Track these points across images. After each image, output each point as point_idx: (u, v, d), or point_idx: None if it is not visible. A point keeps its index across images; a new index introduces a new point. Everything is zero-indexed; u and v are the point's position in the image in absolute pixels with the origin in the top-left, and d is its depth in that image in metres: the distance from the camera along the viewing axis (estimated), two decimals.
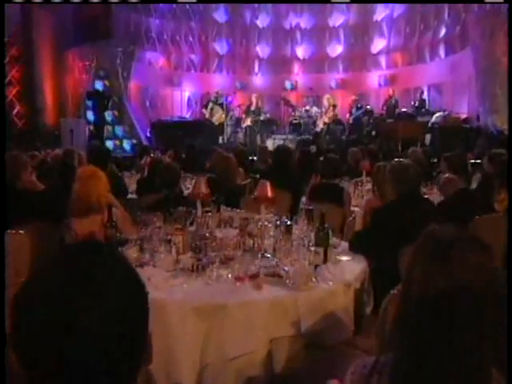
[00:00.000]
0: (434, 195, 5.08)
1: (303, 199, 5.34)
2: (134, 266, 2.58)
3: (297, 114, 14.27)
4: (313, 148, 8.68)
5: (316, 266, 2.71)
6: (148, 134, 13.87)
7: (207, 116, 12.74)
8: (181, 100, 16.00)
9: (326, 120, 12.21)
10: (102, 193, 3.40)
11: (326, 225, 2.94)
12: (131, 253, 2.85)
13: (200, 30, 15.96)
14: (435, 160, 9.90)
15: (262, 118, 12.76)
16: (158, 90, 15.58)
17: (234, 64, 16.54)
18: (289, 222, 2.99)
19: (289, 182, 5.52)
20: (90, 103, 12.25)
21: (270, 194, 2.95)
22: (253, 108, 12.59)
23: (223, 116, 13.45)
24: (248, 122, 12.43)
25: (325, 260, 2.73)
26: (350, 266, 2.78)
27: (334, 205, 4.42)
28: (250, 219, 3.24)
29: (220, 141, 14.05)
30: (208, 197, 3.24)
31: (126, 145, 14.07)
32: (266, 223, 3.11)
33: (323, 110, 12.22)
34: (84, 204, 3.33)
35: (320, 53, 16.11)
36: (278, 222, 2.98)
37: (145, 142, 13.84)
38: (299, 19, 15.90)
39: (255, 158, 10.66)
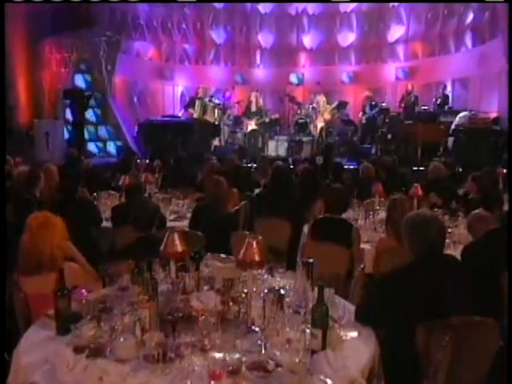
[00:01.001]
0: (460, 228, 4.78)
1: (305, 230, 5.06)
2: (86, 356, 2.38)
3: (303, 112, 14.07)
4: (319, 159, 8.35)
5: (313, 353, 2.41)
6: (136, 135, 13.66)
7: (196, 115, 12.38)
8: (173, 96, 15.95)
9: (321, 124, 11.70)
10: (56, 244, 3.11)
11: (327, 292, 2.64)
12: (86, 330, 2.55)
13: (195, 17, 15.80)
14: (460, 169, 9.68)
15: (266, 119, 12.41)
16: (148, 85, 15.58)
17: (232, 55, 16.46)
18: (282, 291, 2.69)
19: (288, 209, 5.36)
20: (68, 102, 11.94)
21: (257, 257, 2.64)
22: (254, 109, 12.21)
23: (215, 115, 13.12)
24: (252, 125, 12.08)
25: (323, 345, 2.43)
26: (355, 352, 2.48)
27: (339, 245, 4.14)
28: (235, 280, 2.95)
29: (217, 142, 13.92)
30: (184, 255, 2.94)
31: (111, 147, 13.88)
32: (253, 288, 2.80)
33: (318, 110, 11.73)
34: (34, 259, 3.05)
35: (329, 42, 15.96)
36: (267, 291, 2.68)
37: (132, 144, 13.75)
38: (306, 4, 15.74)
39: (255, 164, 10.55)
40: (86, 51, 13.67)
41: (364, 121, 13.23)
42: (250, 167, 10.16)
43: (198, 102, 12.41)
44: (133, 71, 14.98)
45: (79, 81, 13.68)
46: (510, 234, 3.27)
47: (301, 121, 13.84)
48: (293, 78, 15.95)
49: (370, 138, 12.82)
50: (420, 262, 2.73)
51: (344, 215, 4.79)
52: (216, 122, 13.46)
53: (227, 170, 6.98)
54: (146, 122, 13.16)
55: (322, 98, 11.77)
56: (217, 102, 14.72)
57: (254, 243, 2.69)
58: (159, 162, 8.84)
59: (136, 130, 13.42)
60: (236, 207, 6.01)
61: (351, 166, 10.44)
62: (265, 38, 16.30)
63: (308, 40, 16.16)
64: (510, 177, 7.05)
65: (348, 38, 15.82)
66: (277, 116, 12.83)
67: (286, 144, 13.74)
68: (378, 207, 5.60)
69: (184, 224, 5.39)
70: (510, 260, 3.08)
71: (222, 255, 3.76)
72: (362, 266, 3.66)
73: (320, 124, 11.43)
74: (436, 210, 5.08)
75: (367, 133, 13.07)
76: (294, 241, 5.16)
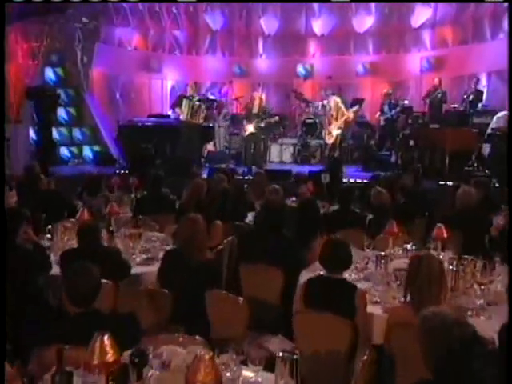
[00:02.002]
0: (496, 283, 4.26)
1: (301, 280, 4.58)
2: None
3: (311, 110, 13.84)
4: (325, 177, 7.93)
5: None
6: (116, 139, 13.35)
7: (183, 117, 11.96)
8: (161, 91, 15.73)
9: (335, 131, 11.13)
10: None
11: None
12: None
13: None
14: (497, 184, 9.17)
15: (270, 120, 11.96)
16: (132, 79, 15.34)
17: (230, 43, 16.35)
18: None
19: (280, 252, 4.95)
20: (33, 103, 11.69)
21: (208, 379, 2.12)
22: (255, 110, 11.73)
23: (208, 116, 12.71)
24: (251, 128, 11.62)
25: None
26: None
27: (339, 314, 3.63)
28: None
29: (212, 147, 13.61)
30: (117, 363, 2.42)
31: (87, 152, 13.63)
32: None
33: (330, 113, 11.16)
34: None
35: (343, 27, 15.68)
36: None
37: (112, 149, 13.48)
38: None
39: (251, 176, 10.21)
40: (58, 40, 13.31)
41: (382, 122, 12.79)
42: (246, 181, 9.68)
43: (185, 102, 11.96)
44: (114, 63, 14.66)
45: (49, 76, 13.40)
46: (510, 233, 2.92)
47: (309, 121, 13.62)
48: (300, 70, 15.80)
49: (390, 143, 12.40)
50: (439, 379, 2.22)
51: None
52: (210, 124, 13.04)
53: (213, 196, 6.53)
54: (126, 124, 12.82)
55: (335, 99, 11.17)
56: (212, 98, 14.45)
57: (206, 361, 2.18)
58: (135, 179, 8.40)
59: (116, 133, 13.06)
60: (220, 246, 5.63)
61: (365, 180, 9.98)
62: (268, 24, 16.11)
63: (318, 25, 15.90)
64: (510, 177, 7.25)
65: (365, 22, 15.56)
66: (277, 118, 12.32)
67: (291, 148, 13.59)
68: (392, 250, 5.08)
69: (155, 269, 4.88)
70: (511, 260, 3.09)
71: (184, 337, 3.27)
72: (365, 356, 3.13)
73: (336, 131, 10.84)
74: (465, 257, 4.56)
75: (386, 137, 12.68)
76: (288, 293, 4.69)
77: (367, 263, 4.97)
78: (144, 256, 5.36)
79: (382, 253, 4.95)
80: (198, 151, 12.39)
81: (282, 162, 13.35)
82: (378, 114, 12.99)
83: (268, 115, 11.91)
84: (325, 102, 12.59)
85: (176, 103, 12.42)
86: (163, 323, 4.27)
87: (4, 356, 2.85)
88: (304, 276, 4.71)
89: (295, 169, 11.50)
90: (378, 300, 4.17)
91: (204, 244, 4.71)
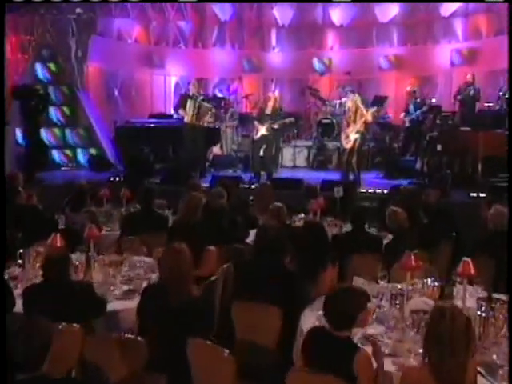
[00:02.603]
0: None
1: (302, 324, 4.23)
2: None
3: (328, 109, 13.71)
4: (338, 191, 7.54)
5: None
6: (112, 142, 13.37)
7: (188, 119, 11.66)
8: (164, 88, 15.69)
9: (353, 135, 10.62)
10: None
11: None
12: None
13: None
14: None
15: (286, 121, 11.58)
16: (132, 75, 15.32)
17: (241, 35, 16.29)
18: None
19: (278, 288, 4.58)
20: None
21: None
22: (269, 111, 11.31)
23: (214, 117, 12.44)
24: (263, 130, 11.23)
25: None
26: None
27: (339, 378, 3.26)
28: None
29: (218, 150, 13.47)
30: None
31: (82, 155, 13.50)
32: None
33: (348, 114, 10.67)
34: None
35: (365, 17, 15.59)
36: None
37: (109, 153, 13.38)
38: None
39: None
40: (50, 33, 13.26)
41: (407, 123, 12.40)
42: (252, 191, 9.35)
43: (189, 102, 11.62)
44: (112, 58, 14.59)
45: (40, 72, 13.27)
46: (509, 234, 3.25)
47: (325, 121, 13.46)
48: (317, 65, 15.73)
49: (415, 147, 12.08)
50: None
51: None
52: (216, 125, 12.73)
53: (208, 215, 6.19)
54: (124, 125, 12.70)
55: (354, 98, 10.66)
56: (220, 96, 14.33)
57: None
58: (127, 190, 8.09)
59: (113, 135, 13.00)
60: (213, 277, 5.29)
61: (385, 190, 9.63)
62: (282, 13, 16.05)
63: (337, 14, 15.80)
64: (510, 177, 7.48)
65: (389, 11, 15.44)
66: (292, 119, 11.99)
67: (305, 152, 13.42)
68: (411, 284, 4.67)
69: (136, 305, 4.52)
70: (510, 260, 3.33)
71: None
72: None
73: (353, 135, 10.36)
74: (497, 297, 4.16)
75: (411, 140, 12.29)
76: (287, 337, 4.38)
77: (381, 299, 4.63)
78: (125, 287, 5.07)
79: (399, 286, 4.65)
80: (202, 155, 12.08)
81: (295, 167, 13.13)
82: (403, 113, 12.67)
83: (282, 116, 11.52)
84: (343, 100, 12.27)
85: (179, 104, 12.14)
86: (139, 373, 3.96)
87: (4, 355, 2.90)
88: (307, 315, 4.42)
89: (308, 176, 11.23)
90: (392, 353, 3.79)
91: (189, 279, 4.37)
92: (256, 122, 11.42)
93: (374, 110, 10.92)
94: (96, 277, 5.10)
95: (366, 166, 12.30)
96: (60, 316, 3.76)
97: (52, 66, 13.42)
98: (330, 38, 16.08)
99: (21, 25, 13.10)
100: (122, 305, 4.71)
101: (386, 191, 9.43)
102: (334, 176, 10.95)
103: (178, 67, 15.73)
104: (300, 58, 15.78)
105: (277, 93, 12.34)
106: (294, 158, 13.22)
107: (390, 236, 6.11)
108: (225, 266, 5.48)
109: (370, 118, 10.50)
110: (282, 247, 4.76)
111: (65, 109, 13.52)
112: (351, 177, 10.49)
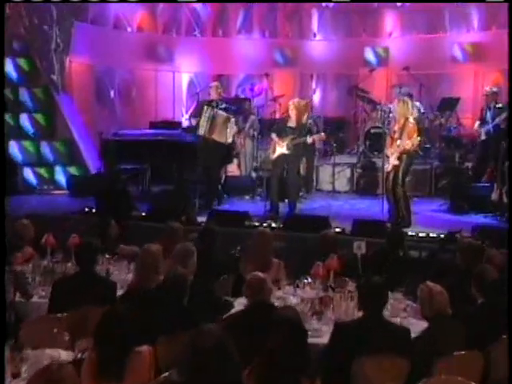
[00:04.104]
0: None
1: None
2: None
3: (379, 114, 13.08)
4: (359, 246, 6.25)
5: None
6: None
7: (202, 132, 10.86)
8: (173, 88, 15.54)
9: (393, 160, 9.16)
10: None
11: None
12: None
13: None
14: None
15: (315, 137, 10.58)
16: (133, 72, 15.33)
17: (272, 19, 16.32)
18: None
19: None
20: None
21: None
22: (292, 123, 10.25)
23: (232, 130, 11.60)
24: (281, 149, 10.15)
25: None
26: None
27: None
28: None
29: (236, 170, 12.94)
30: None
31: (60, 176, 13.02)
32: None
33: (393, 129, 9.39)
34: None
35: None
36: None
37: (95, 171, 12.95)
38: None
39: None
40: (23, 20, 12.87)
41: (483, 136, 11.24)
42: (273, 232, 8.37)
43: (206, 110, 10.80)
44: (107, 51, 14.50)
45: (9, 69, 12.83)
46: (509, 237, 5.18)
47: (375, 130, 12.76)
48: (370, 57, 15.57)
49: (492, 169, 10.84)
50: None
51: None
52: (229, 140, 11.74)
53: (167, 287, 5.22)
54: (110, 138, 12.12)
55: (403, 104, 9.29)
56: (242, 97, 14.20)
57: None
58: (76, 236, 7.10)
59: (99, 149, 12.45)
60: None
61: (442, 234, 8.39)
62: None
63: None
64: (510, 177, 8.75)
65: None
66: (323, 135, 10.98)
67: (348, 172, 12.56)
68: None
69: None
70: (510, 261, 4.95)
71: None
72: None
73: (394, 160, 8.82)
74: None
75: (487, 159, 11.09)
76: None
77: None
78: None
79: None
80: (211, 177, 11.35)
81: (334, 192, 12.09)
82: (477, 122, 11.62)
83: (308, 130, 10.48)
84: (394, 105, 11.21)
85: (196, 111, 11.78)
86: None
87: (4, 355, 3.63)
88: None
89: (348, 206, 10.88)
90: None
91: None
92: (274, 136, 10.27)
93: (417, 140, 9.29)
94: None
95: (429, 192, 11.56)
96: None
97: (23, 62, 13.12)
98: (389, 22, 15.95)
99: None
100: None
101: (442, 235, 8.12)
102: (378, 206, 9.73)
103: (192, 61, 15.60)
104: (348, 48, 15.68)
105: (316, 95, 11.38)
106: (332, 180, 12.26)
107: (424, 324, 4.80)
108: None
109: (408, 147, 8.89)
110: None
111: (39, 117, 13.17)
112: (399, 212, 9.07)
